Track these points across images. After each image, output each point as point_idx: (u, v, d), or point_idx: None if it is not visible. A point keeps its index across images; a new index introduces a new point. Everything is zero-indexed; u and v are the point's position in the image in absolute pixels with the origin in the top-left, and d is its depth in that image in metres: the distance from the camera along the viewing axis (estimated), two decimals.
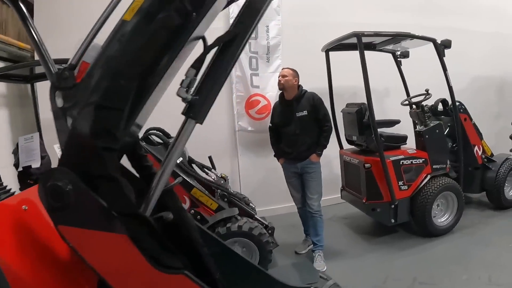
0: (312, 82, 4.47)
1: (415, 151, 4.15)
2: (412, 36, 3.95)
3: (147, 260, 1.41)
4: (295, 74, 3.84)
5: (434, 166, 4.11)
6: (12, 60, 4.44)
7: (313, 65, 4.74)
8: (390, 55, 4.90)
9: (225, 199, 3.87)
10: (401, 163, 4.02)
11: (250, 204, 4.15)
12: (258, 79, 5.01)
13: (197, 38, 1.62)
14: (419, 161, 4.08)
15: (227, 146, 5.19)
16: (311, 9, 5.18)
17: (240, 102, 5.05)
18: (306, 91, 3.86)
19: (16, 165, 3.38)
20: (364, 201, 4.11)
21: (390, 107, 5.25)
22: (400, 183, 4.01)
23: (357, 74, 4.46)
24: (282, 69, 3.94)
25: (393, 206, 3.96)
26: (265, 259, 3.49)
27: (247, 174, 5.21)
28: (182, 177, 3.55)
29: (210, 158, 4.21)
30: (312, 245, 3.98)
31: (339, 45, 4.35)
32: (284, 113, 3.87)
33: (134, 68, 1.42)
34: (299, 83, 3.87)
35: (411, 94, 4.72)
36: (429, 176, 4.09)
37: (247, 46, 4.85)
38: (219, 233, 3.37)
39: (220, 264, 1.93)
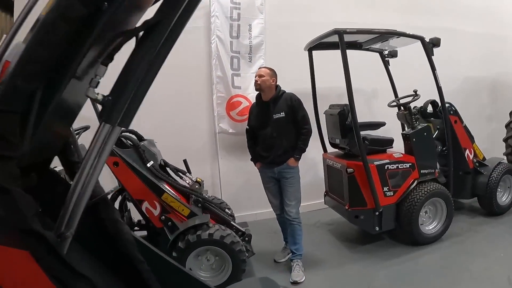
0: (297, 83, 4.32)
1: (402, 155, 3.94)
2: (398, 34, 3.74)
3: (52, 281, 1.20)
4: (273, 73, 3.64)
5: (422, 171, 3.90)
6: None
7: (298, 65, 4.58)
8: (378, 54, 4.70)
9: (199, 205, 3.66)
10: (386, 167, 3.81)
11: (226, 210, 3.96)
12: (239, 79, 4.80)
13: (124, 33, 1.38)
14: (405, 165, 3.87)
15: (207, 149, 4.99)
16: (296, 8, 5.00)
17: (220, 103, 4.84)
18: (284, 92, 3.66)
19: None
20: (347, 207, 3.89)
21: (378, 109, 5.03)
22: (385, 188, 3.80)
23: (343, 74, 4.34)
24: (259, 68, 3.74)
25: (377, 213, 3.75)
26: (238, 269, 3.27)
27: (228, 178, 4.99)
28: (153, 181, 3.38)
29: (185, 161, 4.00)
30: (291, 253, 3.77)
31: (322, 44, 4.16)
32: (260, 115, 3.67)
33: (31, 66, 1.20)
34: (277, 84, 3.66)
35: (400, 95, 4.51)
36: (416, 182, 3.87)
37: (228, 45, 4.69)
38: (189, 241, 3.18)
39: (164, 282, 1.73)
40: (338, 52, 4.24)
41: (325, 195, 4.52)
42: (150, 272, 1.68)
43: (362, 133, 4.02)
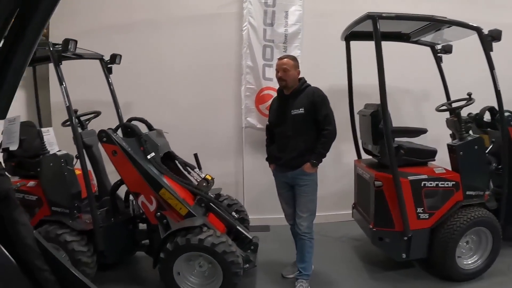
0: (336, 77, 3.85)
1: (444, 171, 3.25)
2: (447, 22, 3.02)
3: None
4: (297, 64, 3.22)
5: (467, 192, 3.18)
6: None
7: (338, 58, 4.02)
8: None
9: (202, 205, 3.39)
10: (422, 184, 3.16)
11: (233, 213, 3.61)
12: (272, 70, 4.37)
13: None
14: (447, 184, 3.18)
15: (232, 145, 4.71)
16: None
17: (249, 95, 4.51)
18: (308, 85, 3.23)
19: None
20: (371, 226, 3.32)
21: (429, 113, 4.26)
22: (419, 210, 3.16)
23: (391, 70, 3.69)
24: (280, 59, 3.25)
25: (406, 238, 3.13)
26: (229, 282, 2.94)
27: (252, 177, 4.66)
28: (151, 174, 3.17)
29: (195, 155, 3.73)
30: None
31: (361, 33, 3.57)
32: (278, 110, 3.28)
33: None
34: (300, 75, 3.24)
35: (453, 98, 3.74)
36: (459, 205, 3.16)
37: (261, 33, 4.32)
38: (177, 244, 2.92)
39: None
40: (385, 44, 3.71)
41: (353, 207, 3.97)
42: (54, 282, 1.47)
43: (399, 140, 3.46)
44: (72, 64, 3.99)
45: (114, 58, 3.83)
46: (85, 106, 3.93)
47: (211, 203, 3.42)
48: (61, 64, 3.07)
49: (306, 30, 4.39)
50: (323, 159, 3.18)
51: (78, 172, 3.55)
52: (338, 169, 4.60)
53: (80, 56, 3.70)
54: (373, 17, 3.00)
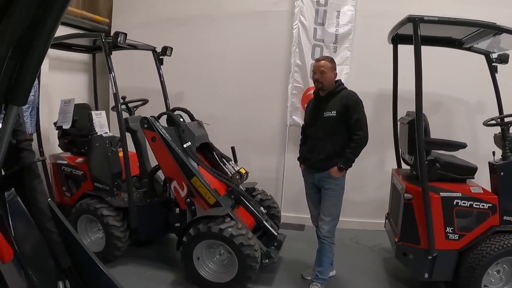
0: (387, 81, 3.71)
1: (482, 191, 2.99)
2: (497, 29, 2.74)
3: None
4: (334, 65, 3.18)
5: (505, 217, 2.89)
6: (94, 31, 4.88)
7: (388, 60, 3.85)
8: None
9: (232, 196, 3.53)
10: (455, 202, 2.95)
11: (261, 208, 3.67)
12: None
13: None
14: (483, 205, 2.92)
15: (276, 142, 4.75)
16: None
17: (296, 94, 4.52)
18: (343, 88, 3.17)
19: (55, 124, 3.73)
20: (396, 240, 3.19)
21: (482, 127, 3.95)
22: (449, 229, 2.96)
23: (444, 76, 3.52)
24: (317, 60, 3.21)
25: (430, 257, 2.96)
26: (243, 274, 3.06)
27: (292, 174, 4.62)
28: (185, 162, 3.36)
29: (232, 148, 3.86)
30: None
31: (409, 36, 3.38)
32: (313, 111, 3.27)
33: None
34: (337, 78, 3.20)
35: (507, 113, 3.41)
36: (494, 230, 2.90)
37: (311, 32, 4.31)
38: (199, 230, 3.10)
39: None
40: (441, 49, 3.54)
41: (386, 218, 3.82)
42: (60, 243, 1.72)
43: (442, 153, 3.30)
44: (130, 53, 4.35)
45: (165, 50, 4.09)
46: (140, 93, 4.26)
47: (241, 196, 3.57)
48: (111, 54, 3.37)
49: (357, 31, 4.27)
50: (351, 165, 3.10)
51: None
52: (380, 176, 4.44)
53: (134, 47, 4.01)
54: (414, 20, 2.85)
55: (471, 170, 3.15)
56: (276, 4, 4.45)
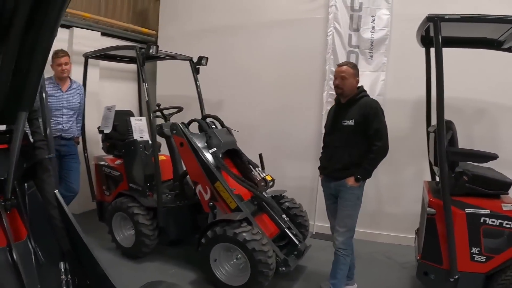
0: (423, 87, 3.52)
1: None
2: None
3: None
4: (356, 72, 3.09)
5: None
6: (144, 42, 5.32)
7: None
8: None
9: (255, 202, 3.61)
10: (482, 220, 2.68)
11: (283, 215, 3.65)
12: None
13: None
14: None
15: (311, 149, 4.64)
16: None
17: (331, 101, 4.38)
18: (364, 95, 3.07)
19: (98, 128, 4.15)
20: (418, 257, 3.00)
21: None
22: (475, 249, 2.70)
23: (489, 81, 3.24)
24: (339, 66, 3.13)
25: (452, 279, 2.73)
26: (254, 280, 3.09)
27: None
28: (209, 167, 3.50)
29: (260, 155, 3.91)
30: None
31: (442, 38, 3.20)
32: (333, 119, 3.20)
33: None
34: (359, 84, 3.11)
35: None
36: None
37: (346, 38, 4.25)
38: (215, 233, 3.22)
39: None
40: (486, 51, 3.27)
41: (415, 233, 3.59)
42: (62, 229, 2.02)
43: (471, 165, 3.04)
44: (175, 63, 4.65)
45: (201, 60, 4.31)
46: (182, 101, 4.49)
47: (263, 202, 3.61)
48: (144, 65, 3.64)
49: (393, 35, 4.09)
50: (369, 176, 3.02)
51: (163, 158, 4.17)
52: (418, 189, 4.14)
53: (173, 57, 4.29)
54: (433, 20, 2.67)
55: (504, 185, 2.83)
56: (311, 12, 4.45)
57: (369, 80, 4.23)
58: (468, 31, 3.05)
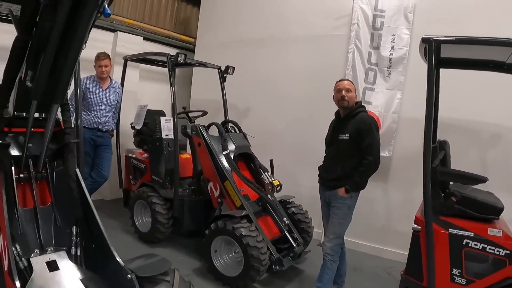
0: (445, 109, 3.55)
1: (501, 235, 2.67)
2: None
3: None
4: (355, 87, 3.30)
5: None
6: (183, 48, 5.84)
7: (448, 88, 3.69)
8: None
9: (260, 203, 3.87)
10: (464, 242, 2.71)
11: (284, 218, 3.84)
12: (372, 94, 4.35)
13: None
14: (498, 251, 2.61)
15: None
16: (450, 18, 3.92)
17: None
18: (361, 111, 3.23)
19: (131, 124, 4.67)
20: (402, 272, 3.07)
21: None
22: (455, 271, 2.73)
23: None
24: (341, 81, 3.32)
25: None
26: (247, 273, 3.35)
27: None
28: (221, 167, 3.84)
29: (271, 161, 4.19)
30: None
31: (451, 60, 3.22)
32: (332, 132, 3.40)
33: None
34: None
35: None
36: (509, 282, 2.56)
37: (365, 56, 4.38)
38: (217, 226, 3.55)
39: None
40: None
41: None
42: (77, 199, 2.56)
43: (471, 188, 3.08)
44: (208, 71, 5.05)
45: (227, 69, 4.67)
46: (212, 105, 4.92)
47: (268, 205, 3.86)
48: (173, 71, 4.06)
49: (412, 55, 4.10)
50: (361, 188, 3.17)
51: (187, 156, 4.59)
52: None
53: (203, 65, 4.69)
54: (428, 41, 2.76)
55: (494, 210, 2.82)
56: (335, 29, 4.63)
57: (384, 97, 4.33)
58: (474, 53, 3.05)
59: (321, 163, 3.47)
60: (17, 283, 1.92)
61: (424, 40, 2.81)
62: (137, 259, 2.40)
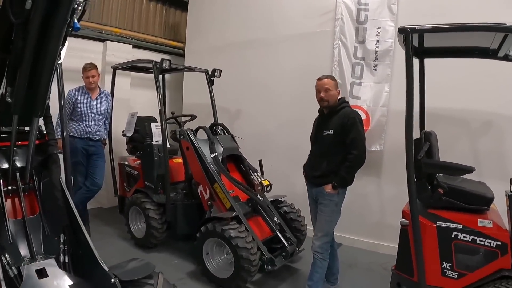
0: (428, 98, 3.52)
1: (491, 226, 2.60)
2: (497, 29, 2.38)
3: None
4: (336, 83, 3.24)
5: None
6: (173, 54, 5.90)
7: (432, 77, 3.64)
8: None
9: (250, 204, 3.86)
10: (453, 235, 2.64)
11: (275, 218, 3.80)
12: (359, 89, 4.31)
13: None
14: (489, 243, 2.54)
15: None
16: (435, 8, 3.85)
17: None
18: (344, 106, 3.18)
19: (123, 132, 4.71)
20: (393, 268, 3.02)
21: None
22: (446, 265, 2.67)
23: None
24: (320, 79, 3.23)
25: None
26: (237, 274, 3.34)
27: None
28: (209, 170, 3.83)
29: (260, 162, 4.16)
30: None
31: (434, 49, 3.18)
32: (316, 129, 3.36)
33: None
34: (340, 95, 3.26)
35: None
36: (501, 274, 2.49)
37: (351, 50, 4.32)
38: (207, 228, 3.55)
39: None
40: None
41: None
42: (62, 208, 2.64)
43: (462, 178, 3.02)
44: (198, 75, 5.05)
45: (214, 72, 4.67)
46: (203, 109, 4.92)
47: (257, 205, 3.84)
48: (158, 77, 4.10)
49: (398, 47, 4.01)
50: (347, 183, 3.10)
51: (179, 160, 4.59)
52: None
53: (191, 69, 4.71)
54: (405, 32, 2.69)
55: (483, 199, 2.73)
56: (319, 25, 4.60)
57: (372, 91, 4.28)
58: (457, 41, 2.98)
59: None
60: None
61: (400, 31, 2.74)
62: (122, 264, 2.44)
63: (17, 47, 1.90)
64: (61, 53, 2.09)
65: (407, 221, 2.90)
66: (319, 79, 3.26)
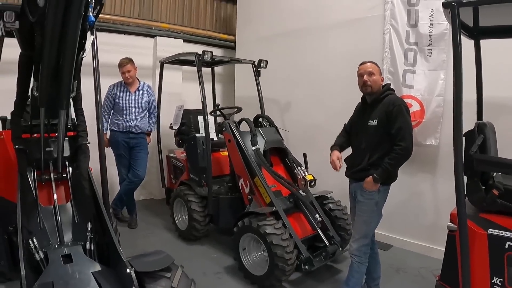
0: (488, 86, 3.09)
1: None
2: None
3: None
4: (380, 69, 2.99)
5: None
6: (224, 47, 5.91)
7: (492, 63, 3.18)
8: None
9: (291, 200, 3.75)
10: (507, 246, 2.29)
11: (317, 215, 3.65)
12: (413, 77, 3.91)
13: None
14: None
15: None
16: None
17: None
18: (389, 93, 2.91)
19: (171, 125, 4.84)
20: (437, 278, 2.71)
21: None
22: (496, 279, 2.32)
23: None
24: (363, 64, 3.00)
25: None
26: (271, 273, 3.25)
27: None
28: (250, 163, 3.78)
29: (304, 155, 4.00)
30: None
31: (494, 28, 2.77)
32: (357, 119, 3.10)
33: None
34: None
35: None
36: None
37: (403, 35, 4.03)
38: (244, 223, 3.51)
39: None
40: None
41: None
42: (89, 197, 2.84)
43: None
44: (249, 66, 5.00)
45: (260, 63, 4.57)
46: (254, 101, 4.80)
47: (299, 200, 3.70)
48: (200, 69, 4.11)
49: None
50: (390, 177, 2.85)
51: (225, 153, 4.60)
52: None
53: (237, 61, 4.67)
54: (451, 5, 2.34)
55: None
56: (370, 10, 4.26)
57: (427, 79, 3.87)
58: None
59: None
60: (22, 269, 2.20)
61: (445, 5, 2.36)
62: (142, 255, 2.49)
63: (37, 43, 2.01)
64: (85, 47, 2.14)
65: (455, 225, 2.57)
66: (361, 64, 3.02)
